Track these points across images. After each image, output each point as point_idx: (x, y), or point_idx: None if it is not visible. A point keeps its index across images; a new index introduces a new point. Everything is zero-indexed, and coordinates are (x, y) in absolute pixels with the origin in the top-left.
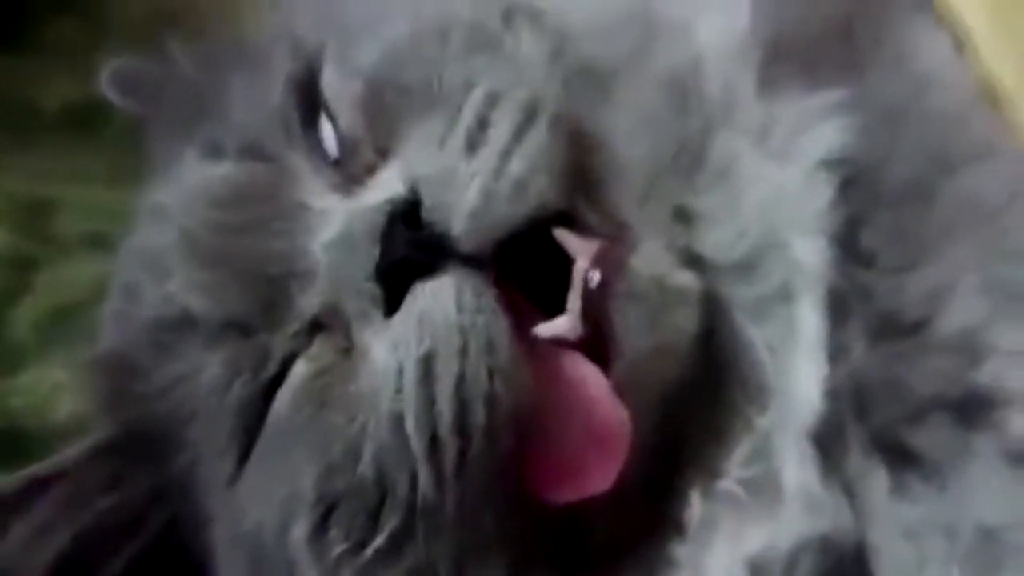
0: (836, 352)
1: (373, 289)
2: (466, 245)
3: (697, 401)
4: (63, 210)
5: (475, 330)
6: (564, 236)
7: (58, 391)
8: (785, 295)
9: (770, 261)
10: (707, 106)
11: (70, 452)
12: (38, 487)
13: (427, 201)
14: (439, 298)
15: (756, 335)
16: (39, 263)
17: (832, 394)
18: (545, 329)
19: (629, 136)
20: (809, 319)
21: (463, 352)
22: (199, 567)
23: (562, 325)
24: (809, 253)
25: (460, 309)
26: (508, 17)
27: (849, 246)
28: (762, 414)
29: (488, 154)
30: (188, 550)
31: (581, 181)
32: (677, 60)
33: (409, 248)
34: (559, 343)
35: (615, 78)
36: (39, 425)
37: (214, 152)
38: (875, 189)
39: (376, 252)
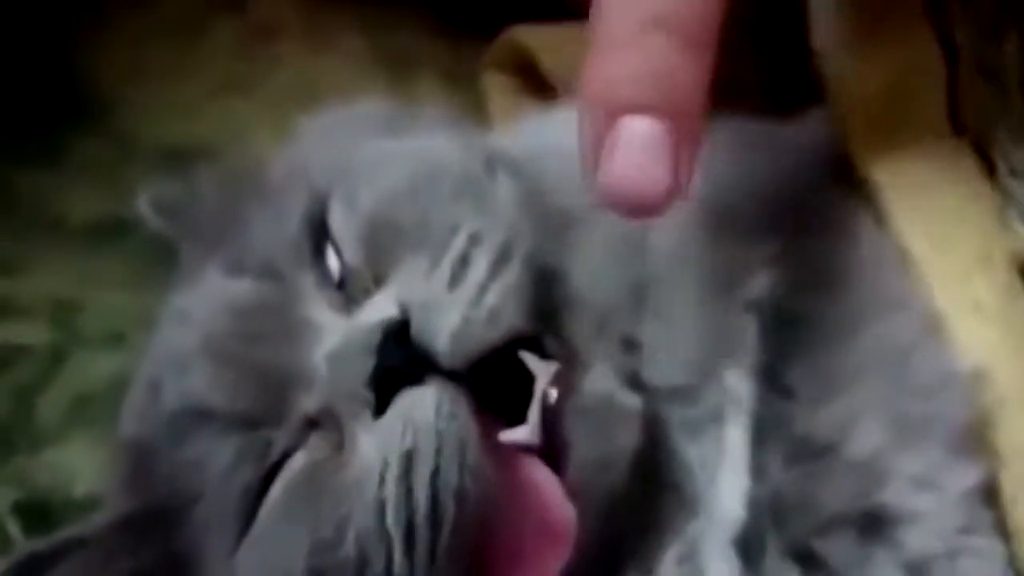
0: (758, 469)
1: (366, 393)
2: (446, 361)
3: (637, 506)
4: (89, 310)
5: (450, 432)
6: (528, 358)
7: (78, 472)
8: (716, 417)
9: (706, 387)
10: (657, 254)
11: (94, 522)
12: (66, 549)
13: (415, 322)
14: (421, 404)
15: (690, 451)
16: (65, 356)
17: (753, 506)
18: (508, 435)
19: (587, 276)
20: (736, 440)
21: (439, 451)
22: None
23: (523, 433)
24: (739, 383)
25: (438, 414)
26: (490, 166)
27: (772, 380)
28: (692, 521)
29: (468, 287)
30: None
31: (546, 312)
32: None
33: (399, 361)
34: (520, 449)
35: (578, 226)
36: (61, 499)
37: (235, 269)
38: (798, 332)
39: (371, 363)
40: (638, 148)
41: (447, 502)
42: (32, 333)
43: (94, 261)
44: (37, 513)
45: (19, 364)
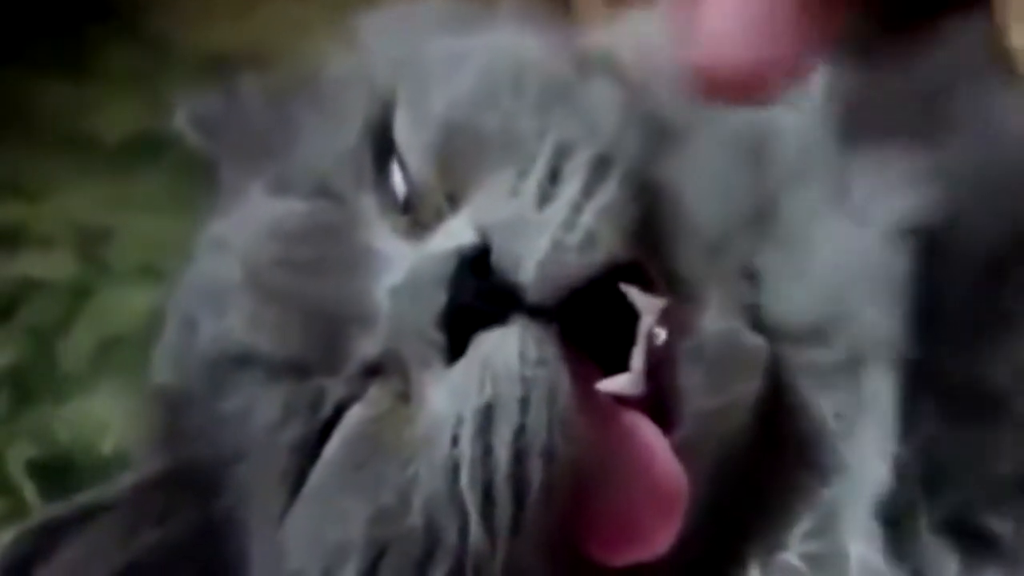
0: (908, 427)
1: (436, 335)
2: (533, 295)
3: (758, 467)
4: (120, 239)
5: (537, 381)
6: (631, 291)
7: (105, 424)
8: (855, 364)
9: (841, 327)
10: (782, 163)
11: (121, 483)
12: (88, 515)
13: (496, 249)
14: (503, 348)
15: (823, 404)
16: (93, 291)
17: (902, 470)
18: (607, 385)
19: (699, 192)
20: (880, 391)
21: (524, 403)
22: None
23: (624, 382)
24: (883, 322)
25: (523, 360)
26: (582, 66)
27: (924, 317)
28: (826, 487)
29: (559, 206)
30: None
31: (650, 236)
32: (752, 115)
33: (476, 296)
34: (620, 400)
35: (687, 132)
36: (85, 458)
37: (282, 188)
38: (954, 260)
39: (443, 298)
40: (729, 11)
41: (533, 463)
42: (53, 266)
43: (125, 183)
44: (56, 473)
45: (38, 301)
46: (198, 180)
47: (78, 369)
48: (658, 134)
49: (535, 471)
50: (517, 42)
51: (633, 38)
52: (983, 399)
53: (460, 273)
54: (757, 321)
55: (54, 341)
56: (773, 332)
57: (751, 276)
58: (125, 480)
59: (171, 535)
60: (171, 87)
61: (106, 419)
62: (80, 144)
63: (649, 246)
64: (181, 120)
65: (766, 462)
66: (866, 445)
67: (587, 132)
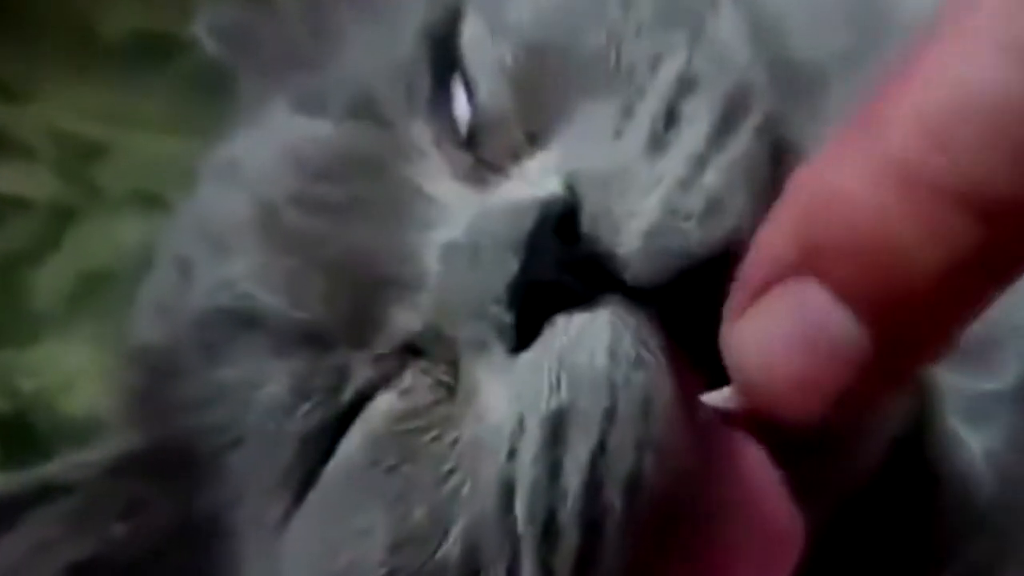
0: None
1: (501, 314)
2: (634, 273)
3: (890, 507)
4: (113, 158)
5: (630, 388)
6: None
7: (77, 377)
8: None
9: (1008, 348)
10: None
11: (86, 460)
12: (46, 493)
13: (589, 207)
14: (588, 339)
15: (972, 439)
16: (77, 216)
17: None
18: (714, 398)
19: None
20: None
21: (609, 416)
22: None
23: (719, 398)
24: None
25: (614, 358)
26: None
27: None
28: (976, 538)
29: (678, 156)
30: None
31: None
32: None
33: (557, 268)
34: (722, 416)
35: (825, 84)
36: (50, 417)
37: (312, 106)
38: None
39: (514, 266)
40: (800, 334)
41: (612, 495)
42: (32, 182)
43: (124, 91)
44: (17, 433)
45: (11, 222)
46: (210, 95)
47: (51, 307)
48: (790, 82)
49: (614, 505)
50: None
51: None
52: None
53: (539, 235)
54: None
55: (26, 272)
56: None
57: None
58: (93, 455)
59: (142, 530)
60: None
61: (78, 370)
62: (75, 39)
63: None
64: (201, 28)
65: (900, 501)
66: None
67: (715, 64)
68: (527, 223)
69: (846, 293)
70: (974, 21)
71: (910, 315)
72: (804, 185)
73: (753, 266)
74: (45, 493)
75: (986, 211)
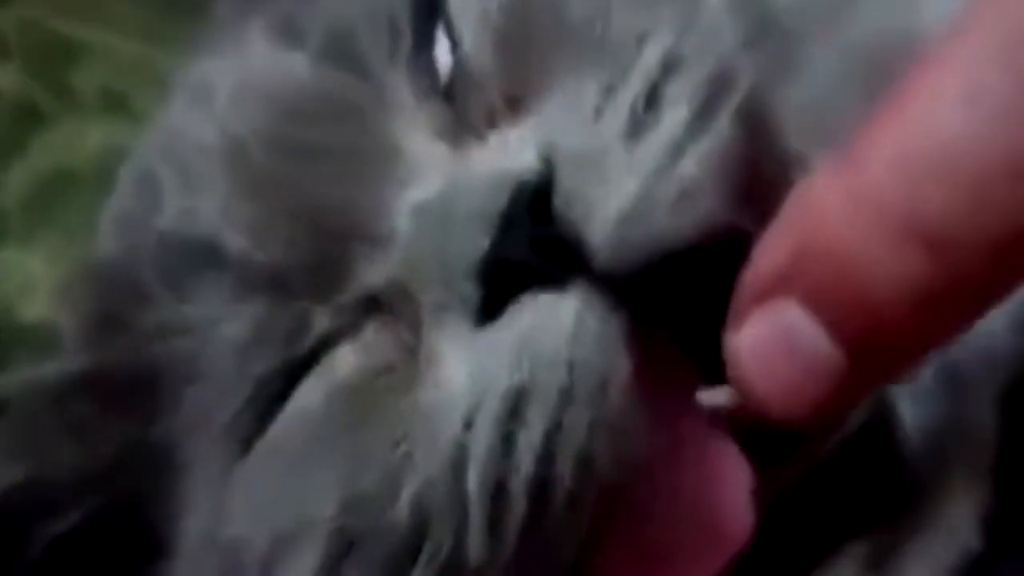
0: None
1: (469, 288)
2: (604, 259)
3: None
4: (85, 58)
5: (589, 372)
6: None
7: (34, 282)
8: (952, 382)
9: None
10: None
11: (32, 377)
12: None
13: (564, 187)
14: (552, 320)
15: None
16: (44, 117)
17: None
18: (710, 396)
19: (806, 127)
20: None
21: (566, 394)
22: (154, 556)
23: (718, 397)
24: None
25: (575, 339)
26: None
27: None
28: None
29: (656, 142)
30: (147, 533)
31: (759, 188)
32: (884, 32)
33: (527, 246)
34: (714, 415)
35: (801, 41)
36: (8, 323)
37: (290, 36)
38: None
39: (486, 242)
40: (784, 349)
41: (562, 469)
42: (3, 78)
43: None
44: None
45: None
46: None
47: (12, 208)
48: (768, 41)
49: (563, 479)
50: None
51: None
52: None
53: (512, 213)
54: None
55: None
56: None
57: None
58: (41, 372)
59: (88, 453)
60: None
61: (36, 275)
62: None
63: (753, 203)
64: None
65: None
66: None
67: (702, 40)
68: (501, 199)
69: (822, 316)
70: (952, 68)
71: (879, 340)
72: (798, 209)
73: (749, 280)
74: None
75: (948, 252)
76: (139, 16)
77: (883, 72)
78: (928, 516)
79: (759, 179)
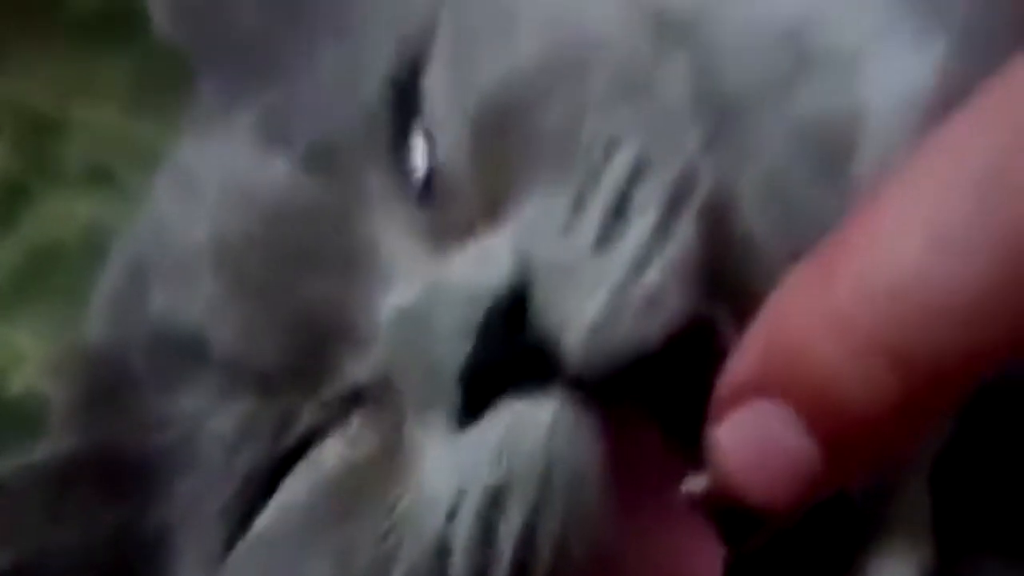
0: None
1: (449, 392)
2: (576, 366)
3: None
4: (72, 133)
5: (564, 475)
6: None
7: (21, 357)
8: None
9: None
10: (854, 180)
11: (22, 457)
12: None
13: (539, 298)
14: (530, 423)
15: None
16: (31, 193)
17: None
18: (693, 484)
19: (759, 202)
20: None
21: (543, 490)
22: None
23: (698, 484)
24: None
25: (551, 445)
26: (660, 35)
27: None
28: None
29: (624, 252)
30: None
31: (721, 272)
32: (827, 106)
33: (506, 354)
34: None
35: (750, 117)
36: None
37: (274, 135)
38: None
39: (465, 349)
40: (763, 443)
41: (540, 561)
42: None
43: (86, 64)
44: None
45: None
46: (171, 75)
47: (4, 283)
48: (722, 120)
49: (542, 568)
50: (587, 3)
51: None
52: None
53: (491, 323)
54: None
55: None
56: None
57: None
58: (31, 455)
59: (79, 535)
60: None
61: (23, 350)
62: (41, 9)
63: (717, 292)
64: (156, 4)
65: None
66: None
67: (665, 142)
68: (479, 312)
69: (801, 416)
70: (921, 200)
71: (852, 440)
72: (770, 320)
73: (728, 381)
74: None
75: (908, 370)
76: (129, 85)
77: (830, 147)
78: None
79: (725, 271)
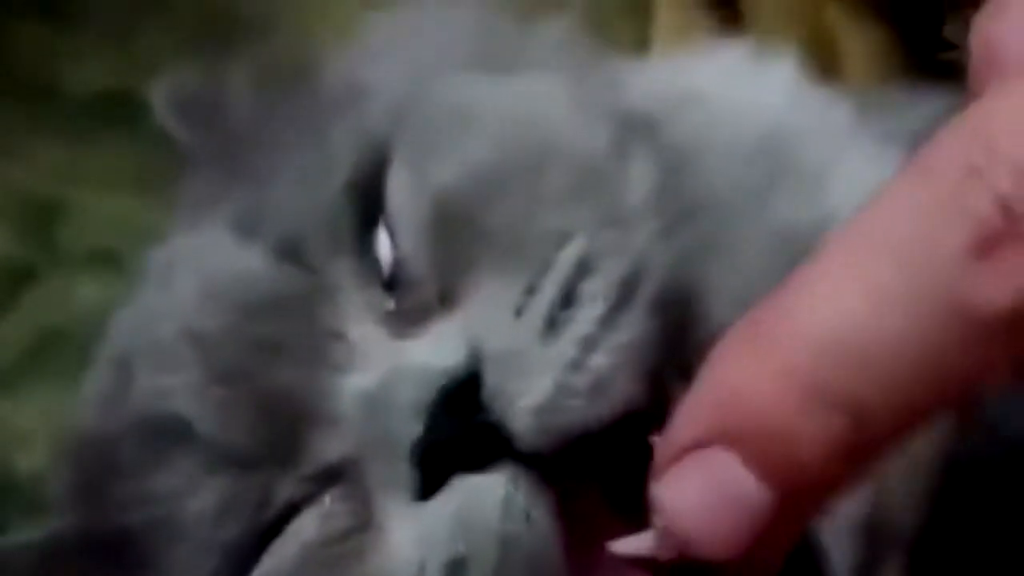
0: None
1: (407, 469)
2: (526, 443)
3: None
4: (73, 217)
5: (519, 546)
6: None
7: (28, 435)
8: (876, 531)
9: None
10: None
11: (19, 537)
12: None
13: (489, 381)
14: (483, 499)
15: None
16: (36, 275)
17: None
18: (621, 546)
19: (734, 300)
20: None
21: (500, 567)
22: None
23: (642, 544)
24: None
25: (505, 518)
26: (622, 136)
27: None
28: None
29: (569, 339)
30: None
31: (674, 360)
32: (801, 215)
33: (457, 434)
34: (636, 563)
35: (728, 220)
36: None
37: (248, 229)
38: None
39: (419, 428)
40: (713, 491)
41: None
42: None
43: (86, 149)
44: None
45: None
46: (170, 158)
47: (7, 364)
48: (694, 223)
49: None
50: (545, 103)
51: (698, 80)
52: None
53: (441, 405)
54: None
55: None
56: None
57: None
58: (34, 535)
59: None
60: (156, 43)
61: (30, 429)
62: (41, 94)
63: (674, 377)
64: (158, 99)
65: None
66: None
67: (618, 238)
68: (432, 392)
69: (751, 464)
70: (852, 257)
71: (805, 483)
72: (713, 377)
73: (672, 436)
74: None
75: (856, 417)
76: (127, 170)
77: (801, 253)
78: None
79: (680, 346)
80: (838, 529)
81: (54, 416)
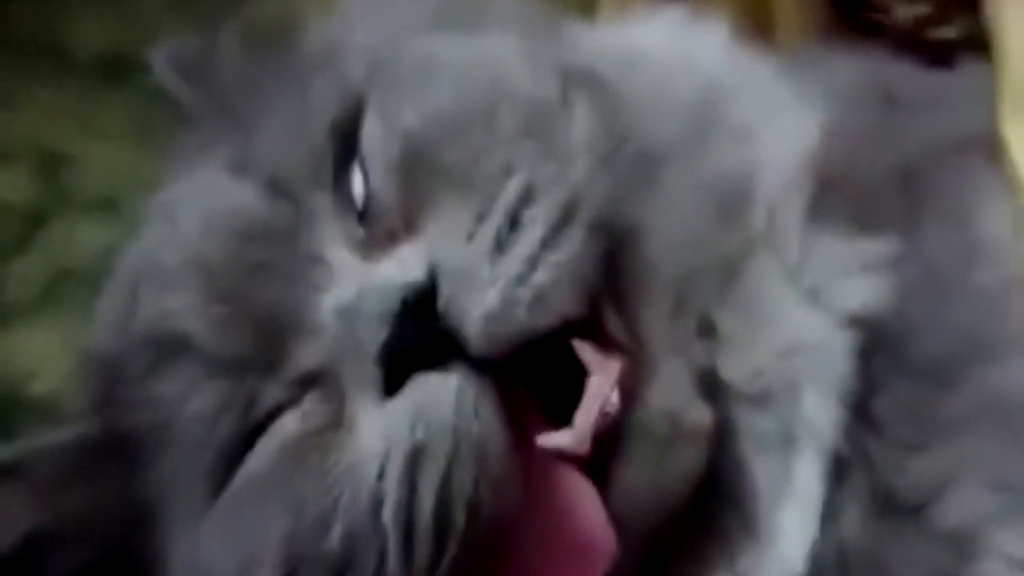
0: (828, 516)
1: (373, 370)
2: (476, 348)
3: (689, 523)
4: (81, 166)
5: (469, 436)
6: (583, 349)
7: (43, 362)
8: (787, 439)
9: (781, 402)
10: (751, 223)
11: (44, 439)
12: (10, 471)
13: (444, 293)
14: (439, 395)
15: (757, 468)
16: (48, 218)
17: (815, 558)
18: (547, 440)
19: (667, 237)
20: (806, 475)
21: (453, 453)
22: None
23: (565, 440)
24: (819, 409)
25: (458, 412)
26: (567, 87)
27: (860, 410)
28: (745, 552)
29: (514, 258)
30: (141, 565)
31: (611, 284)
32: (731, 164)
33: (416, 339)
34: (561, 456)
35: (665, 166)
36: (13, 396)
37: (240, 169)
38: (899, 357)
39: (383, 334)
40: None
41: (456, 513)
42: (11, 185)
43: (93, 105)
44: None
45: None
46: (169, 112)
47: (25, 298)
48: (635, 163)
49: (457, 519)
50: (503, 55)
51: (639, 41)
52: (901, 504)
53: (403, 313)
54: (709, 380)
55: (3, 266)
56: (723, 393)
57: (708, 332)
58: (54, 437)
59: (91, 501)
60: (155, 9)
61: (45, 356)
62: (51, 54)
63: (609, 297)
64: (156, 62)
65: (697, 517)
66: (788, 524)
67: (558, 171)
68: (394, 303)
69: None
70: None
71: None
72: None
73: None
74: (11, 469)
75: None
76: (130, 124)
77: (730, 198)
78: (769, 551)
79: (615, 270)
80: (757, 443)
81: (67, 345)
